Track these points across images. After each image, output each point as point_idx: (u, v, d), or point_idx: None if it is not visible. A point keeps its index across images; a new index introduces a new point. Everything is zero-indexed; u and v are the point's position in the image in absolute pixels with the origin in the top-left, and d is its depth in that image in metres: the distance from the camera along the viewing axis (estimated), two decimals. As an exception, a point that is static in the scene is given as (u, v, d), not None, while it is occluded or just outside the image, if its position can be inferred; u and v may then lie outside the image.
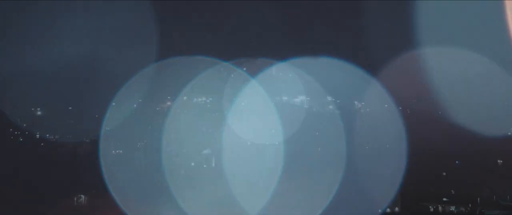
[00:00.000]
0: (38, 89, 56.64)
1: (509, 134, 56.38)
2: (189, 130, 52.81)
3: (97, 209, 46.66)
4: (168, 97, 56.94)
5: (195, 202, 44.71)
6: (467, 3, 59.89)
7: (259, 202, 44.87)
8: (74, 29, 60.36)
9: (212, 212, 44.14)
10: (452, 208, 48.63)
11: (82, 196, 48.82)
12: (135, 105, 55.40)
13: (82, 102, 56.93)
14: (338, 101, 57.29)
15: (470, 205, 48.41)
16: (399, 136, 51.22)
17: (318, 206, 44.43)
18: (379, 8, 62.84)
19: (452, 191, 50.68)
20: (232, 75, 56.00)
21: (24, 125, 55.16)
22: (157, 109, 56.75)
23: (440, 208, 48.85)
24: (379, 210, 45.98)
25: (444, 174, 54.34)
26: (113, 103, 53.54)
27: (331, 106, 56.84)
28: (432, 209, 48.76)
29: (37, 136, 55.29)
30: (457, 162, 55.57)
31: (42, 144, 54.81)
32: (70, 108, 57.41)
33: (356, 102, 58.38)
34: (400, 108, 55.03)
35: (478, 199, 48.77)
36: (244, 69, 56.26)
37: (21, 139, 54.91)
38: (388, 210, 46.72)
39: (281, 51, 59.37)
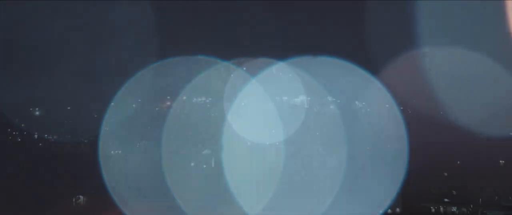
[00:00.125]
0: (37, 89, 56.64)
1: (511, 134, 56.17)
2: (188, 130, 52.62)
3: (96, 210, 46.38)
4: (168, 97, 56.89)
5: (195, 203, 44.52)
6: (468, 3, 59.87)
7: (259, 202, 44.68)
8: (73, 29, 60.43)
9: (211, 212, 43.96)
10: (454, 209, 48.38)
11: (81, 197, 48.57)
12: (134, 105, 55.37)
13: (81, 102, 56.91)
14: (338, 101, 57.14)
15: (471, 206, 48.19)
16: (400, 136, 51.03)
17: (318, 207, 44.26)
18: (380, 8, 62.80)
19: (453, 191, 50.46)
20: (232, 75, 55.94)
21: (23, 125, 55.12)
22: (157, 109, 56.67)
23: (441, 208, 48.59)
24: (380, 211, 45.72)
25: (446, 174, 54.10)
26: (113, 103, 53.37)
27: (331, 106, 56.66)
28: (433, 210, 48.52)
29: (36, 136, 55.22)
30: (458, 162, 55.37)
31: (40, 144, 54.72)
32: (69, 107, 57.41)
33: (356, 102, 58.24)
34: (401, 108, 54.80)
35: (480, 199, 48.55)
36: (244, 69, 56.18)
37: (19, 139, 54.86)
38: (389, 210, 46.47)
39: (281, 51, 59.42)
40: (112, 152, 51.45)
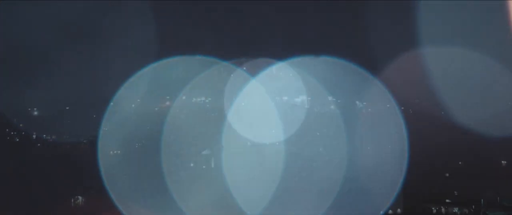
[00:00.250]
0: (35, 89, 56.58)
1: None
2: (188, 130, 52.44)
3: (95, 210, 46.12)
4: (167, 97, 56.82)
5: (194, 204, 44.28)
6: (468, 3, 59.84)
7: (259, 203, 44.42)
8: (72, 29, 60.45)
9: (211, 213, 43.74)
10: (455, 210, 48.10)
11: (80, 198, 48.32)
12: (133, 105, 55.29)
13: (79, 102, 56.83)
14: (339, 101, 57.09)
15: (473, 206, 47.89)
16: (401, 136, 50.85)
17: (319, 207, 43.99)
18: (380, 8, 62.78)
19: (455, 192, 50.23)
20: (232, 75, 55.88)
21: (21, 125, 55.02)
22: (156, 109, 56.57)
23: (443, 209, 48.33)
24: (381, 211, 45.49)
25: (447, 175, 53.93)
26: (112, 103, 53.21)
27: (332, 106, 56.56)
28: (435, 211, 48.25)
29: (34, 136, 55.08)
30: (460, 162, 55.21)
31: (38, 144, 54.58)
32: (68, 107, 57.34)
33: (357, 102, 58.16)
34: (402, 108, 54.66)
35: (481, 200, 48.23)
36: (244, 69, 56.15)
37: (18, 139, 54.74)
38: (390, 211, 46.23)
39: (281, 51, 59.46)
40: (111, 152, 51.25)
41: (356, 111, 57.56)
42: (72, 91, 57.45)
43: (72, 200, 48.28)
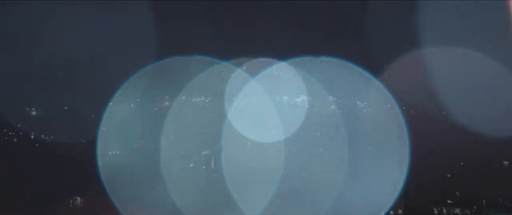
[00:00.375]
0: (34, 89, 56.58)
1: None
2: (187, 130, 52.31)
3: (94, 211, 45.98)
4: (167, 97, 56.77)
5: (194, 204, 44.14)
6: (469, 3, 59.74)
7: (259, 204, 44.28)
8: (71, 29, 60.42)
9: (211, 214, 43.61)
10: (457, 210, 47.96)
11: (78, 198, 48.13)
12: (132, 105, 55.22)
13: (78, 102, 56.75)
14: (339, 101, 57.02)
15: (475, 207, 47.76)
16: (402, 136, 50.68)
17: (319, 208, 43.83)
18: (381, 8, 62.65)
19: (456, 193, 50.06)
20: (232, 75, 55.86)
21: (19, 125, 54.93)
22: (155, 109, 56.50)
23: (444, 210, 48.17)
24: (383, 212, 45.30)
25: (449, 175, 53.75)
26: (111, 103, 53.09)
27: (332, 106, 56.46)
28: (436, 211, 48.09)
29: (32, 136, 54.97)
30: (461, 163, 55.04)
31: (37, 144, 54.42)
32: (66, 107, 57.28)
33: (358, 102, 58.09)
34: (404, 108, 54.49)
35: (483, 201, 48.07)
36: (244, 68, 56.11)
37: (16, 140, 54.64)
38: (391, 212, 46.05)
39: (281, 51, 59.44)
40: (110, 152, 51.07)
41: (357, 111, 57.44)
42: (71, 91, 57.41)
43: (71, 201, 48.12)
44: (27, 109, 56.75)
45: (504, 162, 55.46)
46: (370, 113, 57.28)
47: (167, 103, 56.60)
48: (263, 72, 55.87)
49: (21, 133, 54.80)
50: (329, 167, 48.17)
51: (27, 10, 59.92)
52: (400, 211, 46.54)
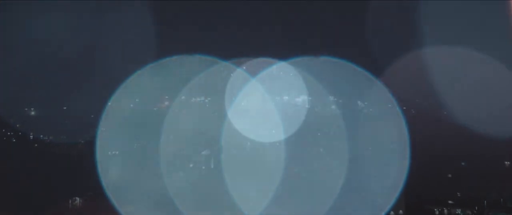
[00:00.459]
0: (32, 89, 56.54)
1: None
2: (187, 130, 52.17)
3: (93, 212, 45.87)
4: (166, 97, 56.68)
5: (193, 204, 44.00)
6: (469, 3, 59.74)
7: (258, 204, 44.15)
8: (71, 29, 60.41)
9: (210, 214, 43.48)
10: (458, 211, 47.88)
11: (77, 199, 48.05)
12: (132, 105, 55.12)
13: (77, 102, 56.68)
14: (340, 101, 56.96)
15: (476, 207, 47.68)
16: (403, 136, 50.55)
17: (320, 208, 43.70)
18: (382, 8, 62.60)
19: (458, 193, 49.97)
20: (232, 75, 55.79)
21: (17, 125, 54.86)
22: (155, 109, 56.42)
23: (445, 210, 48.08)
24: (383, 212, 45.18)
25: (450, 175, 53.63)
26: (110, 103, 52.95)
27: (333, 106, 56.38)
28: (437, 212, 47.99)
29: (31, 136, 54.87)
30: (463, 163, 54.92)
31: (36, 144, 54.28)
32: (65, 107, 57.23)
33: (358, 102, 58.01)
34: (404, 108, 54.37)
35: (485, 201, 47.98)
36: (244, 68, 56.04)
37: (14, 140, 54.55)
38: (392, 212, 45.93)
39: (281, 51, 59.30)
40: (109, 152, 50.92)
41: (357, 111, 57.35)
42: (70, 91, 57.34)
43: (70, 201, 48.04)
44: (26, 109, 56.74)
45: (506, 162, 55.38)
46: (370, 113, 57.18)
47: (167, 103, 56.52)
48: (263, 72, 55.80)
49: (20, 133, 54.75)
50: (329, 167, 48.04)
51: (24, 8, 59.96)
52: (400, 211, 46.44)
